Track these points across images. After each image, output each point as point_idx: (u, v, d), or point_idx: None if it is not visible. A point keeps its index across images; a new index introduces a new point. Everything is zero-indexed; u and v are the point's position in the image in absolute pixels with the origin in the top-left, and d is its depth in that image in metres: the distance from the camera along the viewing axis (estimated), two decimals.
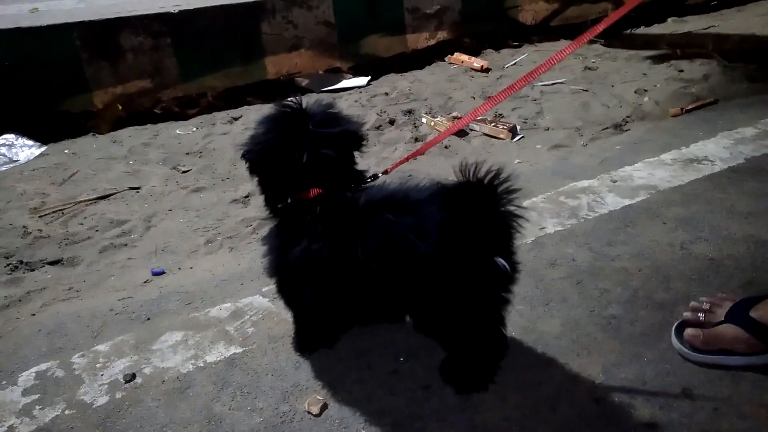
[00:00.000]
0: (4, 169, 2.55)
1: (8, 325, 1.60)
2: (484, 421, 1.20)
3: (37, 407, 1.31)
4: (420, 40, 3.71)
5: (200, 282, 1.72)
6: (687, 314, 1.34)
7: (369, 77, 3.40)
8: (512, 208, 1.10)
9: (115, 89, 3.00)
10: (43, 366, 1.42)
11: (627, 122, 2.66)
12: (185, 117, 3.04)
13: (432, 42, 3.74)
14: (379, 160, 2.47)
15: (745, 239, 1.68)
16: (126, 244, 2.02)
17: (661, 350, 1.33)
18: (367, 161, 2.42)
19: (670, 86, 2.96)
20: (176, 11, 3.02)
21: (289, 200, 1.22)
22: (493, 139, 2.63)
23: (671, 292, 1.51)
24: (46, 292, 1.77)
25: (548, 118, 2.78)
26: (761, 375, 1.24)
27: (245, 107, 3.13)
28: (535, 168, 2.26)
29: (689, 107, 2.63)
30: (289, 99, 1.21)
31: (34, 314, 1.65)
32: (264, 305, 1.57)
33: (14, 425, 1.27)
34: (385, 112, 2.91)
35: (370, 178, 1.25)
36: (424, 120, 2.79)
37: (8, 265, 1.90)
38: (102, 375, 1.38)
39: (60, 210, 2.22)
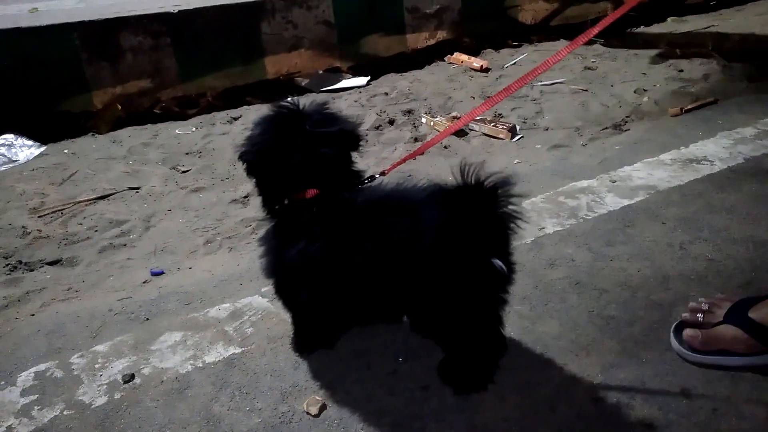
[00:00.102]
0: (3, 169, 2.55)
1: (7, 325, 1.60)
2: (484, 421, 1.20)
3: (35, 408, 1.31)
4: (420, 39, 3.71)
5: (199, 282, 1.72)
6: (686, 315, 1.34)
7: (369, 77, 3.40)
8: (510, 209, 1.10)
9: (114, 89, 3.00)
10: (41, 366, 1.42)
11: (626, 122, 2.66)
12: (185, 117, 3.04)
13: (432, 42, 3.74)
14: (379, 160, 2.47)
15: (745, 239, 1.68)
16: (125, 245, 2.02)
17: (660, 351, 1.33)
18: (366, 161, 2.42)
19: (670, 86, 2.96)
20: (176, 11, 3.02)
21: (286, 201, 1.22)
22: (492, 139, 2.63)
23: (670, 293, 1.51)
24: (45, 292, 1.77)
25: (548, 118, 2.78)
26: (760, 375, 1.24)
27: (245, 107, 3.12)
28: (535, 168, 2.26)
29: (689, 107, 2.63)
30: (285, 99, 1.21)
31: (33, 314, 1.65)
32: (263, 305, 1.58)
33: (13, 426, 1.27)
34: (384, 112, 2.91)
35: (367, 179, 1.25)
36: (423, 120, 2.79)
37: (7, 265, 1.90)
38: (101, 375, 1.38)
39: (59, 210, 2.22)
